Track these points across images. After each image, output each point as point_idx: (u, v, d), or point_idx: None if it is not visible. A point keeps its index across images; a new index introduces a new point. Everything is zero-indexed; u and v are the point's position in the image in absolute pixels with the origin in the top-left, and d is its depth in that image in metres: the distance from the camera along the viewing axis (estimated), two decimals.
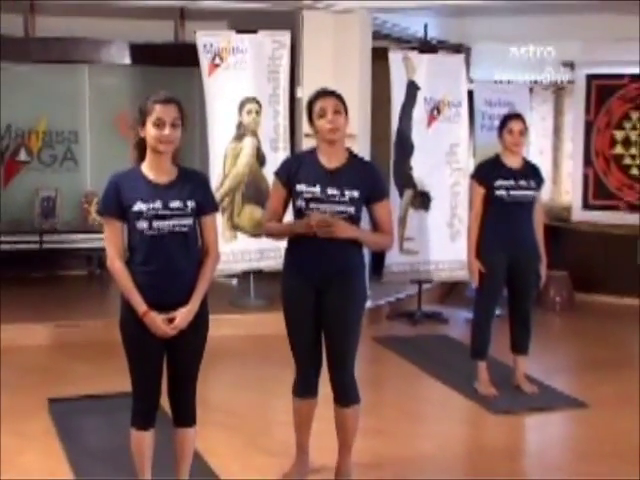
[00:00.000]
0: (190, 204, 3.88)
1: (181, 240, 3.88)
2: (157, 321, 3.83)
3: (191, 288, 3.90)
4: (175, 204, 3.84)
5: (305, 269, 4.29)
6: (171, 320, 3.85)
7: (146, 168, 3.90)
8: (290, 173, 4.29)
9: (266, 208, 4.48)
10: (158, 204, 3.82)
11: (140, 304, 3.82)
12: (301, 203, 4.22)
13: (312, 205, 4.19)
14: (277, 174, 4.39)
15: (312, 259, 4.24)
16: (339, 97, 4.28)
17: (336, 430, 4.50)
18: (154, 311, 3.83)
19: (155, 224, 3.81)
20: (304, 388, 4.49)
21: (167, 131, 3.79)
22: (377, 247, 4.75)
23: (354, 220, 4.25)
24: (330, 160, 4.26)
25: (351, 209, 4.21)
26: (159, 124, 3.79)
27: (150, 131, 3.81)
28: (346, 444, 4.50)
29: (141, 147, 3.90)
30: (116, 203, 3.85)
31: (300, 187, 4.22)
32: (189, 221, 3.88)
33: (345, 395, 4.39)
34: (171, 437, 4.14)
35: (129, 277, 3.85)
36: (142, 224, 3.82)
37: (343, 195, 4.19)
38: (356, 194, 4.21)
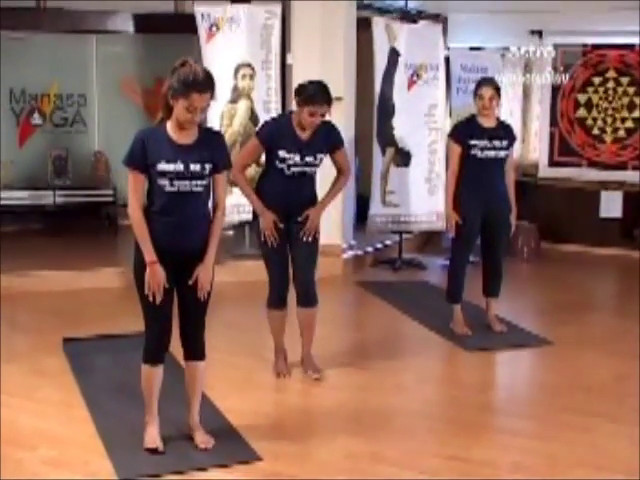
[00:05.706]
0: (208, 166, 3.89)
1: (196, 197, 3.91)
2: (158, 275, 3.84)
3: (201, 236, 3.92)
4: (195, 167, 3.84)
5: (277, 201, 4.88)
6: (195, 283, 3.90)
7: (171, 129, 3.88)
8: (272, 139, 4.84)
9: (241, 154, 5.14)
10: (180, 166, 3.82)
11: (150, 253, 3.83)
12: (283, 165, 4.82)
13: (293, 169, 4.84)
14: (259, 135, 4.92)
15: (282, 194, 4.89)
16: (328, 102, 4.80)
17: (300, 329, 5.09)
18: (168, 255, 3.84)
19: (175, 183, 3.83)
20: (277, 301, 5.02)
21: (197, 117, 3.81)
22: (339, 193, 5.26)
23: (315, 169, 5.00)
24: (304, 133, 4.87)
25: (318, 164, 4.95)
26: (191, 110, 3.77)
27: (181, 110, 3.78)
28: (309, 339, 5.10)
29: (168, 110, 3.85)
30: (141, 158, 3.83)
31: (283, 154, 4.80)
32: (205, 181, 3.91)
33: (306, 295, 4.98)
34: (183, 371, 4.16)
35: (145, 227, 3.84)
36: (163, 181, 3.83)
37: (316, 159, 4.90)
38: (323, 155, 4.95)
